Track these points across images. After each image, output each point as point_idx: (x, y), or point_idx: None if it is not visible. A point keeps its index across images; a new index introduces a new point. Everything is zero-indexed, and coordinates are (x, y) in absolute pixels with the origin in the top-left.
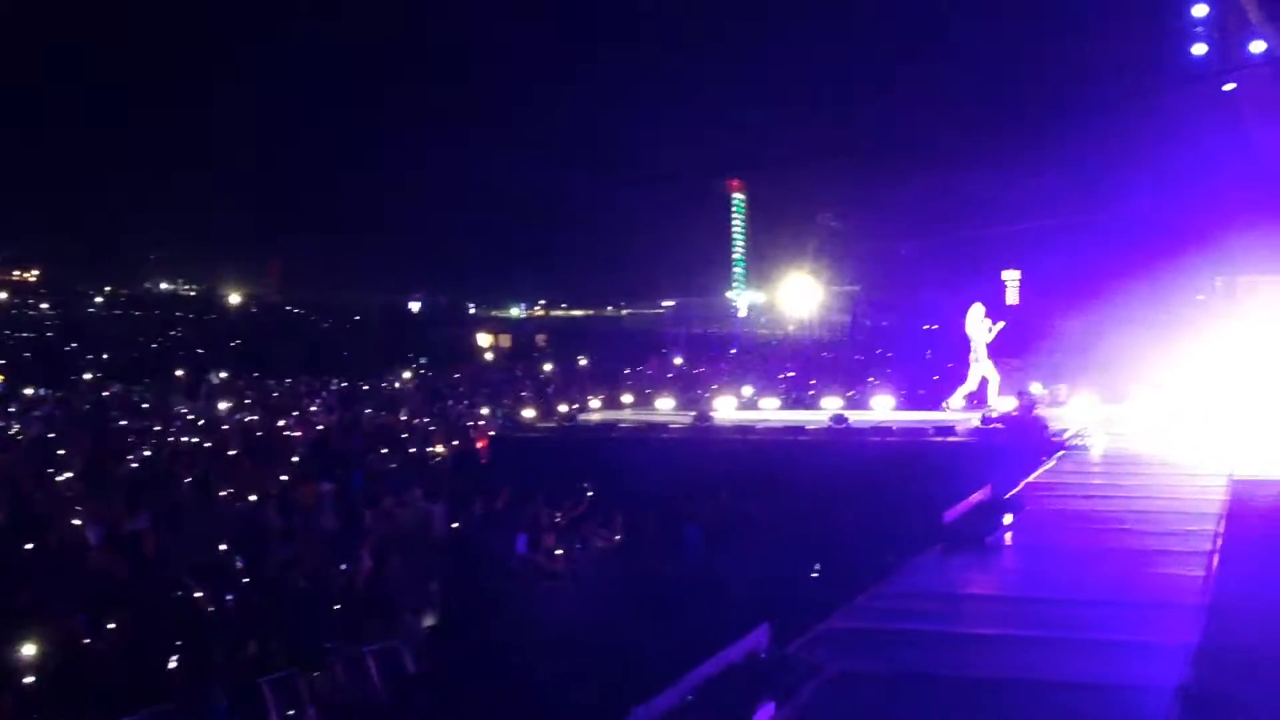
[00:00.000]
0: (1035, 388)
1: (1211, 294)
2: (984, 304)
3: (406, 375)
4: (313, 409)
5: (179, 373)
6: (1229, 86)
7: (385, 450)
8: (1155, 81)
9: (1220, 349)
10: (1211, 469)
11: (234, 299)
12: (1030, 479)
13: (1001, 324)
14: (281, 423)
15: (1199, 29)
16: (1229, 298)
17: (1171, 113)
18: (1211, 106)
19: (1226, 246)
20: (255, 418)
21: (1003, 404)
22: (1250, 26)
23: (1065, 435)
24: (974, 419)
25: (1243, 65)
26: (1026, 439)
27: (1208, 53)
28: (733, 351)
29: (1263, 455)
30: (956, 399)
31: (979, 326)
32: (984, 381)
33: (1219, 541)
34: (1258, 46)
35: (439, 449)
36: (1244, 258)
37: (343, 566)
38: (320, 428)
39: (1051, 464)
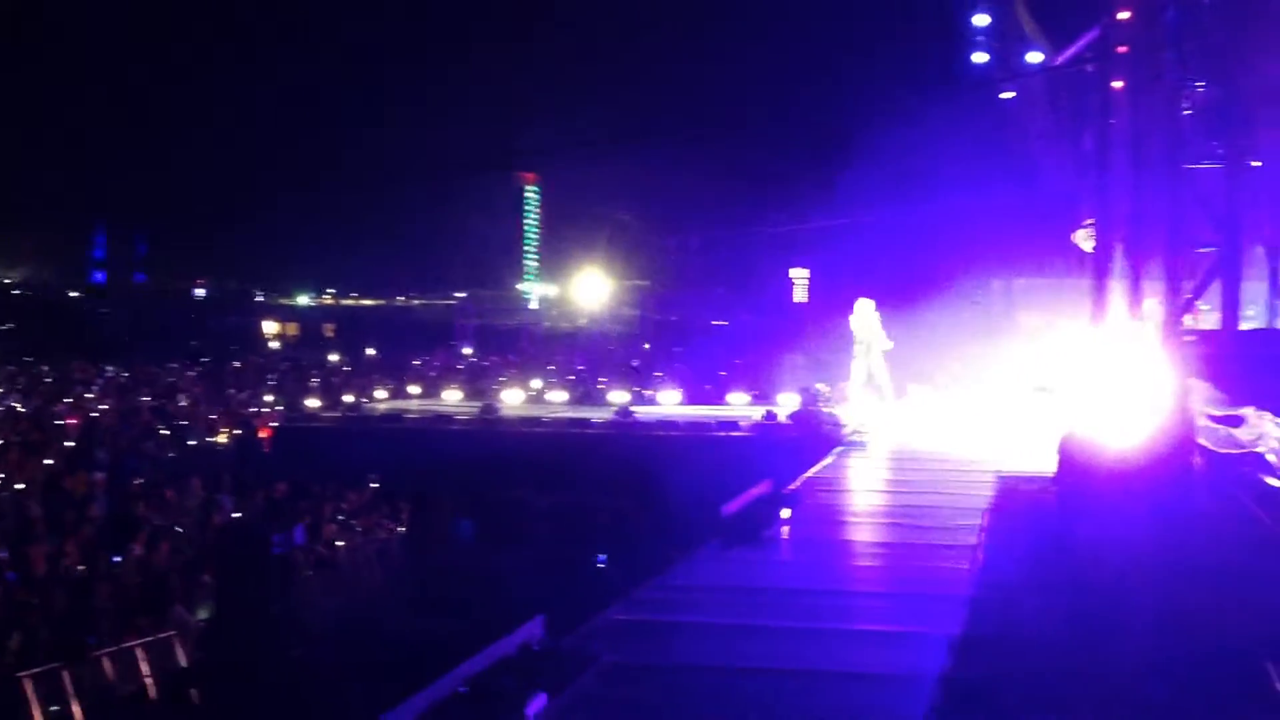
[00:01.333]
0: (820, 385)
1: (988, 295)
2: (874, 300)
3: (187, 362)
4: (87, 396)
5: None
6: (1007, 95)
7: (163, 439)
8: (939, 87)
9: (995, 349)
10: (982, 464)
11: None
12: (810, 474)
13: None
14: (54, 410)
15: (980, 38)
16: (1005, 299)
17: (953, 118)
18: (991, 113)
19: (1003, 250)
20: (25, 405)
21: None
22: (1027, 37)
23: (846, 431)
24: (756, 414)
25: (1020, 74)
26: (808, 435)
27: (988, 61)
28: (525, 343)
29: (1030, 450)
30: (850, 391)
31: (867, 322)
32: (869, 375)
33: (983, 535)
34: (1034, 57)
35: (220, 438)
36: (1019, 261)
37: (115, 558)
38: (94, 415)
39: (831, 460)
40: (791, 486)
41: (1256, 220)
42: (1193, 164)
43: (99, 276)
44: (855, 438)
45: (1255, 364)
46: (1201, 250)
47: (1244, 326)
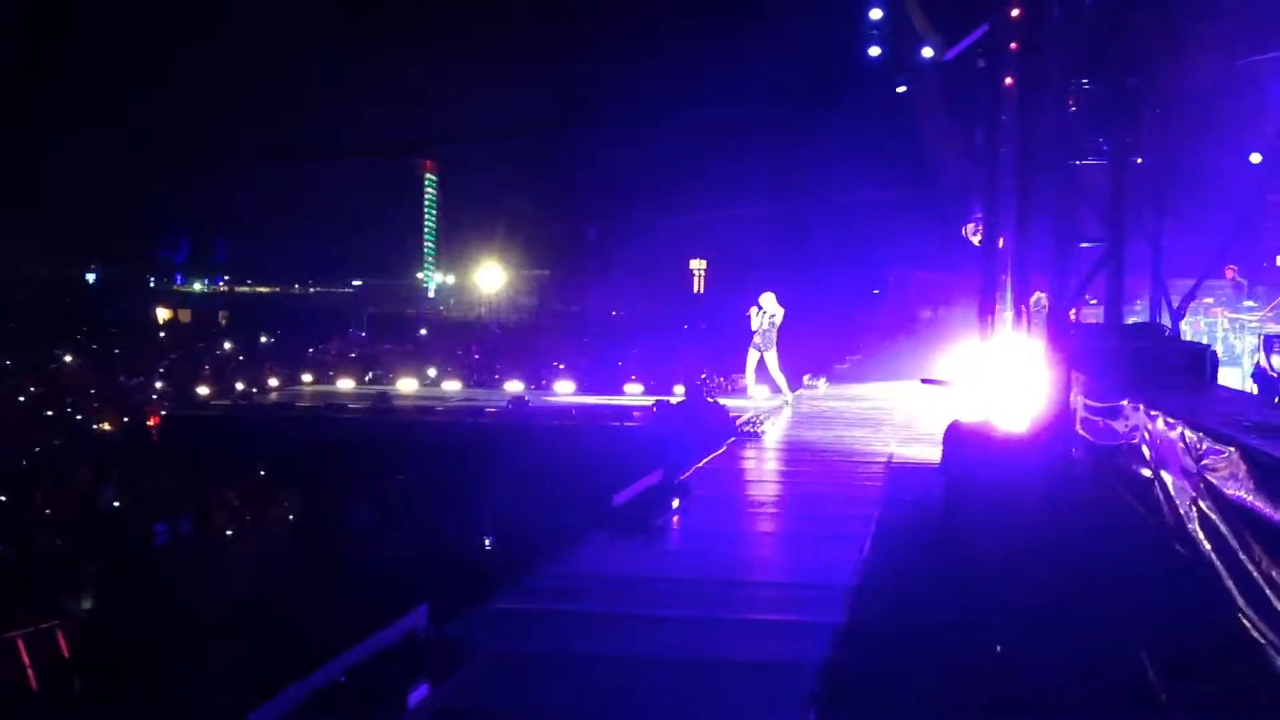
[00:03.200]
0: (715, 376)
1: (885, 288)
2: (775, 293)
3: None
4: None
5: None
6: (901, 89)
7: (47, 426)
8: (836, 81)
9: (893, 340)
10: (874, 455)
11: None
12: (702, 464)
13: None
14: None
15: (874, 32)
16: (901, 292)
17: (851, 113)
18: (887, 108)
19: (899, 243)
20: None
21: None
22: (919, 33)
23: (739, 422)
24: (650, 404)
25: (913, 69)
26: (701, 425)
27: (882, 55)
28: (423, 332)
29: (921, 440)
30: (745, 382)
31: (769, 315)
32: (761, 363)
33: (873, 525)
34: (927, 52)
35: (106, 426)
36: (915, 254)
37: None
38: None
39: (724, 450)
40: (683, 476)
41: (1140, 216)
42: (1079, 160)
43: None
44: (748, 428)
45: (1137, 357)
46: (1087, 245)
47: (1129, 320)
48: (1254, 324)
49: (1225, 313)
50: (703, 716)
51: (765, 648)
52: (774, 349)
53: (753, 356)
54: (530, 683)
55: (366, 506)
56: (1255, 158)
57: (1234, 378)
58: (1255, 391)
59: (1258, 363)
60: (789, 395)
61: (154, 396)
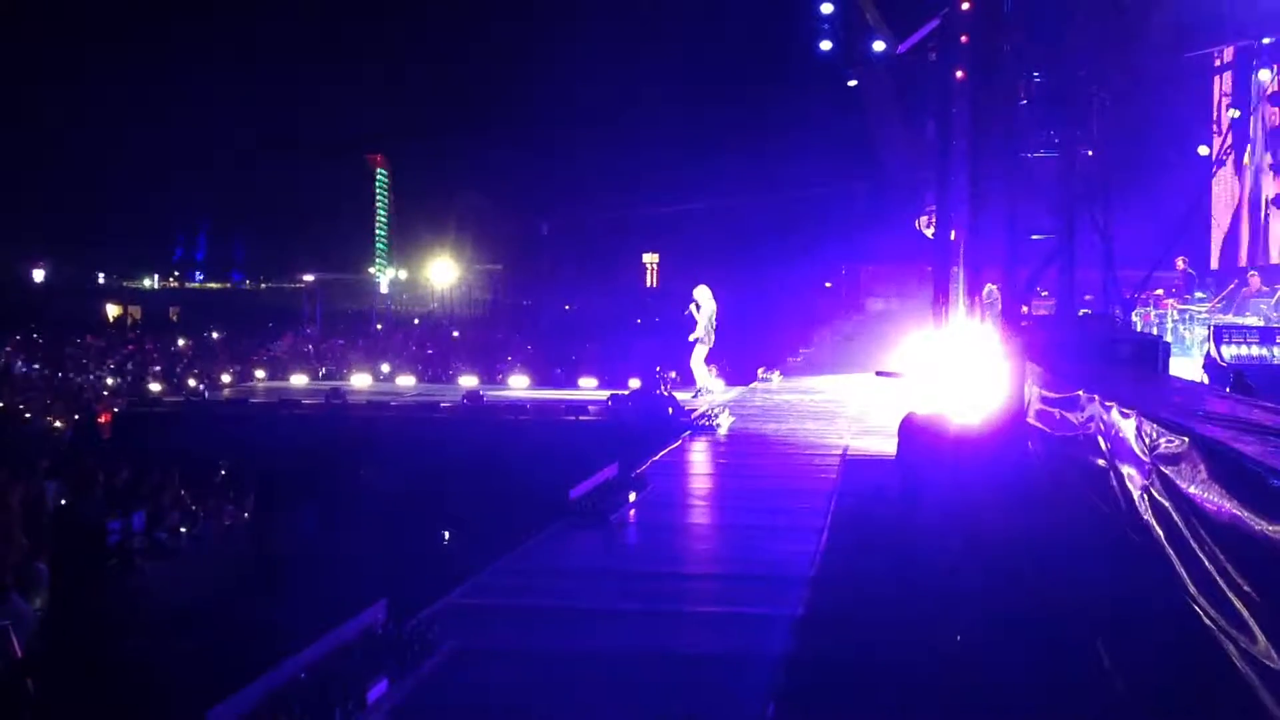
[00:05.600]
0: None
1: (837, 280)
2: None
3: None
4: None
5: None
6: (852, 83)
7: None
8: (788, 75)
9: (844, 333)
10: (828, 447)
11: None
12: (657, 457)
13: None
14: None
15: (825, 25)
16: (853, 284)
17: (803, 106)
18: (839, 101)
19: (852, 235)
20: None
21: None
22: (870, 26)
23: (694, 415)
24: (605, 398)
25: (864, 62)
26: (656, 419)
27: (833, 49)
28: (378, 327)
29: (876, 432)
30: (697, 375)
31: (706, 307)
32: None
33: (828, 517)
34: (878, 45)
35: (57, 423)
36: (867, 247)
37: None
38: None
39: (679, 443)
40: (639, 470)
41: (1091, 208)
42: (1030, 153)
43: None
44: (703, 422)
45: (1091, 348)
46: (1038, 237)
47: (1081, 312)
48: (1203, 315)
49: (1175, 304)
50: (662, 710)
51: (724, 640)
52: (702, 344)
53: (697, 350)
54: (490, 677)
55: (322, 503)
56: (1203, 150)
57: (1185, 368)
58: (1206, 381)
59: (1208, 353)
60: (708, 389)
61: (105, 393)
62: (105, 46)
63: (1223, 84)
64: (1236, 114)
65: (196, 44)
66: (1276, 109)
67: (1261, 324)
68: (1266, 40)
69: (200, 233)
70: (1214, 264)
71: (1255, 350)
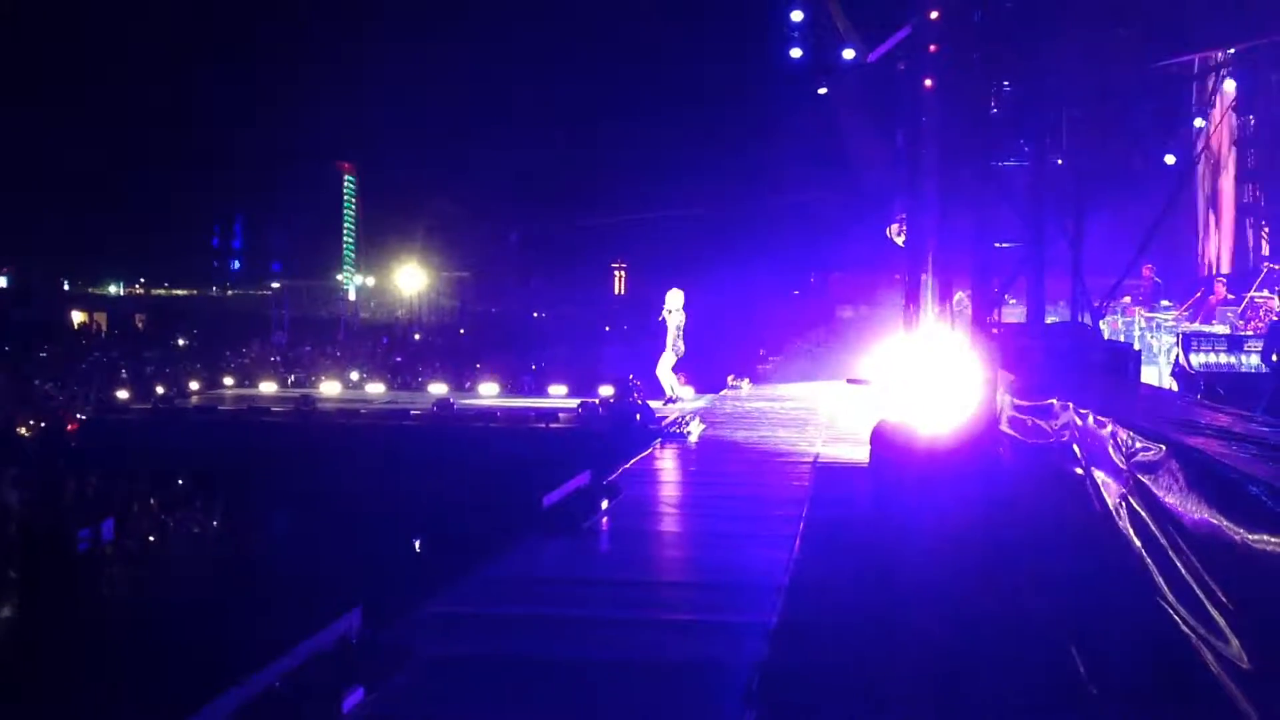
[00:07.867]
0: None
1: (807, 288)
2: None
3: None
4: None
5: None
6: (822, 91)
7: None
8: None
9: (816, 340)
10: (801, 455)
11: None
12: (629, 465)
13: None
14: None
15: (795, 33)
16: (823, 293)
17: (772, 114)
18: (809, 109)
19: (821, 243)
20: None
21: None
22: (841, 34)
23: (665, 423)
24: (575, 405)
25: (834, 70)
26: (627, 426)
27: (804, 57)
28: (340, 335)
29: (845, 439)
30: (666, 383)
31: (676, 313)
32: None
33: (800, 525)
34: (848, 54)
35: (22, 430)
36: (837, 255)
37: None
38: None
39: (650, 451)
40: (612, 477)
41: (1060, 216)
42: (1000, 162)
43: None
44: (675, 429)
45: (1062, 356)
46: (1008, 245)
47: (1050, 320)
48: (1170, 323)
49: (1143, 311)
50: (637, 718)
51: (699, 648)
52: (671, 351)
53: (665, 356)
54: (465, 686)
55: (294, 510)
56: (1170, 159)
57: (1152, 375)
58: (1176, 389)
59: (1176, 360)
60: (678, 396)
61: (71, 401)
62: (64, 49)
63: (1190, 93)
64: (1202, 123)
65: (161, 48)
66: (1242, 118)
67: (1228, 331)
68: (1232, 50)
69: (165, 238)
70: (1181, 273)
71: (1223, 358)
